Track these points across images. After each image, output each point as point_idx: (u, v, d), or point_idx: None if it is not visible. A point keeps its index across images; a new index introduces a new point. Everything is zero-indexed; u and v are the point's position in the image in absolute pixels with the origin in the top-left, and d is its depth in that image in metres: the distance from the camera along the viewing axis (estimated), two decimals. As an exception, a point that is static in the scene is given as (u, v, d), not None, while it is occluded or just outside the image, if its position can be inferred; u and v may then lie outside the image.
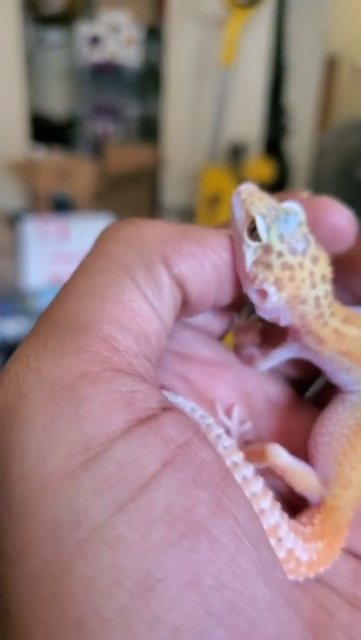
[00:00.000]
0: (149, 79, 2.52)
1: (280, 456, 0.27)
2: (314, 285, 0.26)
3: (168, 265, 0.24)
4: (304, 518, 0.27)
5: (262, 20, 2.23)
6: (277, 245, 0.26)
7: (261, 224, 0.26)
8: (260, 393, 0.31)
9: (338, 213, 0.26)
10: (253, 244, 0.26)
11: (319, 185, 2.53)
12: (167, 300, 0.24)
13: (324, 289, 0.26)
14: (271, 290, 0.26)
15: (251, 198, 0.26)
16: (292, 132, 2.46)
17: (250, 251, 0.26)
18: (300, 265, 0.26)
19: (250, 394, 0.31)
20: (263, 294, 0.26)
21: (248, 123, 2.38)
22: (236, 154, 2.34)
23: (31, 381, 0.20)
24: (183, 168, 2.45)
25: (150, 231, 0.24)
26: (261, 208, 0.26)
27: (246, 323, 0.31)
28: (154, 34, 2.42)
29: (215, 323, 0.30)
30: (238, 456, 0.26)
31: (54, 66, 2.52)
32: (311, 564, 0.25)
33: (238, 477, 0.25)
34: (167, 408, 0.21)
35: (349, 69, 2.84)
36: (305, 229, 0.26)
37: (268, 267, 0.26)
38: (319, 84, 2.67)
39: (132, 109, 2.63)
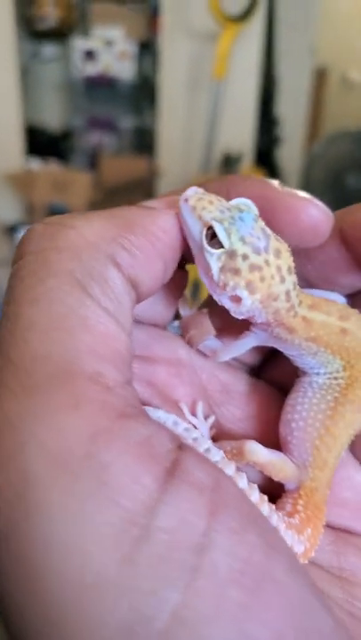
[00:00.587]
0: (143, 92, 2.56)
1: (258, 453, 0.28)
2: (283, 280, 0.26)
3: (120, 266, 0.22)
4: (288, 506, 0.28)
5: (253, 33, 2.28)
6: (241, 248, 0.25)
7: (221, 230, 0.25)
8: (216, 383, 0.30)
9: (313, 208, 0.25)
10: (216, 252, 0.25)
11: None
12: (126, 306, 0.22)
13: (292, 281, 0.26)
14: (244, 294, 0.25)
15: (201, 203, 0.25)
16: (282, 142, 2.50)
17: (213, 259, 0.25)
18: (267, 262, 0.25)
19: (206, 386, 0.30)
20: (237, 299, 0.26)
21: (240, 134, 2.42)
22: (228, 164, 2.37)
23: (37, 457, 0.17)
24: (177, 178, 2.48)
25: (92, 232, 0.22)
26: (215, 212, 0.25)
27: (193, 315, 0.30)
28: (147, 48, 2.47)
29: (162, 313, 0.29)
30: (231, 468, 0.26)
31: (49, 79, 2.56)
32: (306, 552, 0.26)
33: None
34: (181, 446, 0.20)
35: (338, 81, 2.89)
36: (261, 223, 0.25)
37: (237, 272, 0.25)
38: (309, 95, 2.72)
39: (127, 121, 2.67)
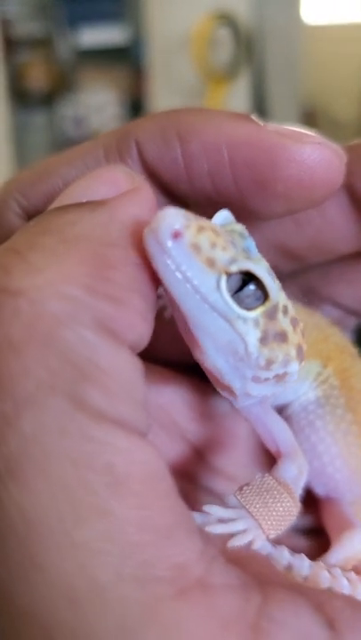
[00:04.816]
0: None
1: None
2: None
3: (116, 334, 0.15)
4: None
5: (242, 85, 2.29)
6: (282, 298, 0.17)
7: (269, 280, 0.17)
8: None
9: (323, 150, 0.18)
10: (252, 315, 0.17)
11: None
12: (140, 396, 0.16)
13: None
14: (294, 367, 0.18)
15: (205, 238, 0.16)
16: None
17: (249, 326, 0.17)
18: (289, 305, 0.18)
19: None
20: (281, 378, 0.18)
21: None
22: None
23: None
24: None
25: (53, 291, 0.14)
26: (230, 250, 0.17)
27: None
28: (137, 107, 2.46)
29: None
30: (325, 576, 0.20)
31: (40, 145, 2.54)
32: None
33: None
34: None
35: (327, 121, 2.91)
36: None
37: (283, 336, 0.17)
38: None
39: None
